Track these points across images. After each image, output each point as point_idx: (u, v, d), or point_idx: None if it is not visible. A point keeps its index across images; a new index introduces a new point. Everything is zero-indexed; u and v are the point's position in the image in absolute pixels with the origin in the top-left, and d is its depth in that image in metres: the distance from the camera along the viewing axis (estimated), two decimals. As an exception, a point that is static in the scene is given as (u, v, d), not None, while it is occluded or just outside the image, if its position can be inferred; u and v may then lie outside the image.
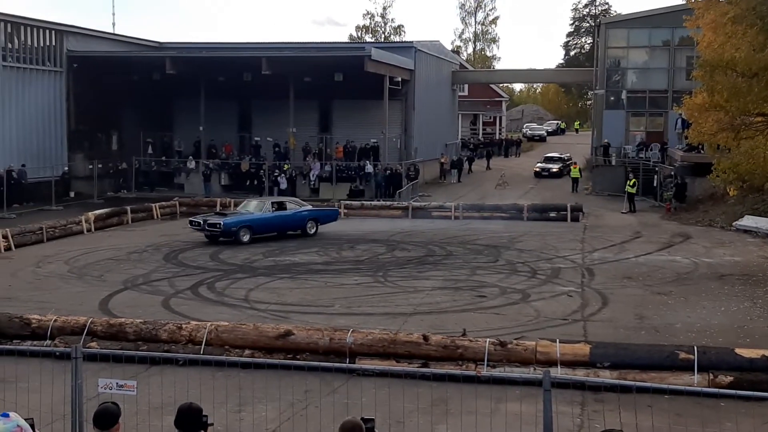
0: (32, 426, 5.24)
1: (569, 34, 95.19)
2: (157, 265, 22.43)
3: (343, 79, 39.56)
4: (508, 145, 65.09)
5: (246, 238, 26.20)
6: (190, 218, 27.91)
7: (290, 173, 40.77)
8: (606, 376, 11.71)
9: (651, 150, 42.46)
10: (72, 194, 39.26)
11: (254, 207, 27.95)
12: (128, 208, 32.09)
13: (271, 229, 27.23)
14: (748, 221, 28.68)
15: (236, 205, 30.97)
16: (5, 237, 24.76)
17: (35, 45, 38.80)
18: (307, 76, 40.89)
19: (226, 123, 44.98)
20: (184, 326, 13.63)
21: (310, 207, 29.44)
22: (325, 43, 50.97)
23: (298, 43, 49.85)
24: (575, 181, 43.92)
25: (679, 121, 38.14)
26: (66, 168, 39.71)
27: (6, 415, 5.05)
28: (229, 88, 42.69)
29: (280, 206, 28.12)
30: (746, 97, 20.53)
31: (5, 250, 24.45)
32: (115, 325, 13.82)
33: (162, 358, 10.85)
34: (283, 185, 40.04)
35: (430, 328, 14.73)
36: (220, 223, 25.94)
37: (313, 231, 28.22)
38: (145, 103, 44.54)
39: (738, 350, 12.23)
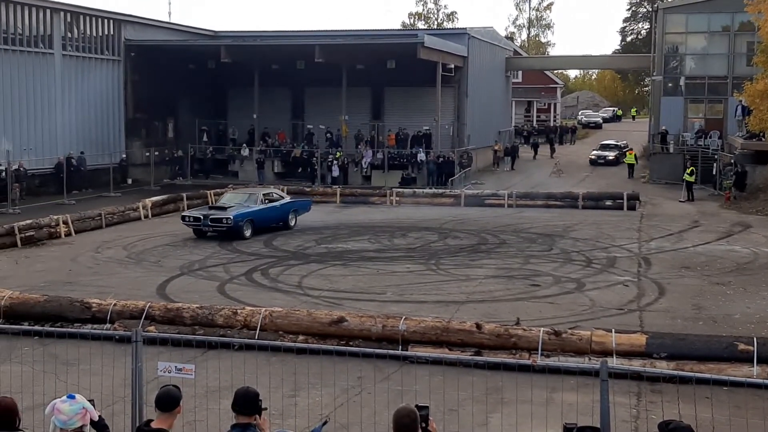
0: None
1: (626, 20, 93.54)
2: (213, 251, 22.72)
3: (395, 67, 39.54)
4: (563, 132, 64.32)
5: (248, 232, 24.54)
6: (183, 213, 25.81)
7: (342, 161, 40.91)
8: (663, 367, 11.55)
9: (710, 137, 41.60)
10: (129, 181, 40.02)
11: (246, 199, 25.90)
12: (184, 195, 32.54)
13: (266, 222, 25.62)
14: (811, 210, 27.94)
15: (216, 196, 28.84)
16: (66, 223, 25.33)
17: (94, 34, 39.51)
18: (360, 63, 40.95)
19: (280, 110, 45.35)
20: (239, 311, 13.79)
21: (289, 197, 28.00)
22: (378, 30, 50.87)
23: (350, 30, 49.89)
24: (631, 167, 43.48)
25: (740, 107, 37.28)
26: (124, 155, 40.44)
27: (72, 397, 5.18)
28: (282, 76, 43.00)
29: (270, 198, 26.61)
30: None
31: (66, 235, 25.02)
32: (173, 309, 14.05)
33: (218, 342, 11.00)
34: (336, 173, 40.24)
35: (483, 316, 14.68)
36: (229, 218, 24.06)
37: (293, 223, 26.71)
38: (200, 91, 45.18)
39: (800, 342, 11.94)
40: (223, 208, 25.08)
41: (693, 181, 34.89)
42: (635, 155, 44.80)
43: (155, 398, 5.61)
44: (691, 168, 35.48)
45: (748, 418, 9.21)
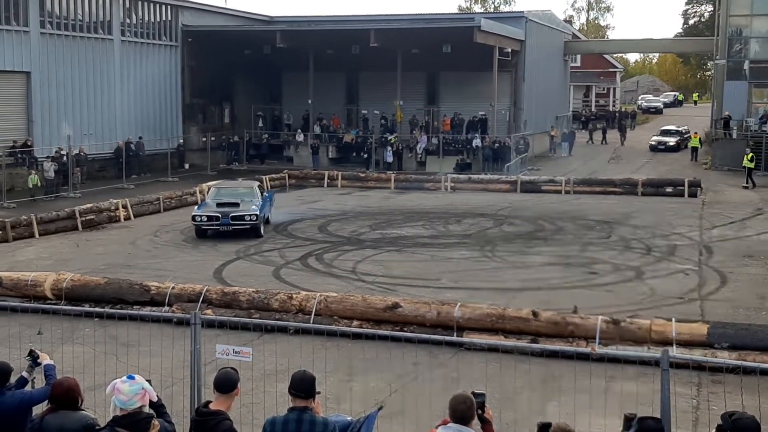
0: (150, 388, 5.43)
1: (688, 2, 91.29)
2: (268, 236, 22.88)
3: (451, 51, 39.21)
4: (622, 118, 63.05)
5: (262, 229, 22.92)
6: (194, 213, 22.95)
7: (397, 146, 40.83)
8: (724, 357, 11.28)
9: (775, 123, 40.48)
10: (186, 166, 40.50)
11: (247, 193, 23.76)
12: (240, 180, 32.80)
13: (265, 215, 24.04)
14: None
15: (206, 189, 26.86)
16: (125, 207, 25.81)
17: (152, 20, 40.05)
18: (415, 47, 40.74)
19: (334, 95, 45.41)
20: (294, 296, 13.87)
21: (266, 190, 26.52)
22: (434, 14, 50.61)
23: (406, 14, 49.70)
24: (695, 150, 42.70)
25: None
26: (181, 140, 40.95)
27: (132, 378, 5.25)
28: (337, 61, 43.03)
29: (262, 190, 24.97)
30: None
31: (125, 219, 25.49)
32: (229, 293, 14.19)
33: (274, 326, 11.05)
34: (390, 158, 40.18)
35: (540, 304, 14.48)
36: (255, 215, 22.21)
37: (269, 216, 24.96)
38: (256, 77, 45.55)
39: None
40: (234, 205, 22.65)
41: (753, 166, 33.99)
42: (699, 138, 43.96)
43: (214, 380, 5.65)
44: (751, 154, 34.53)
45: (815, 412, 8.93)
